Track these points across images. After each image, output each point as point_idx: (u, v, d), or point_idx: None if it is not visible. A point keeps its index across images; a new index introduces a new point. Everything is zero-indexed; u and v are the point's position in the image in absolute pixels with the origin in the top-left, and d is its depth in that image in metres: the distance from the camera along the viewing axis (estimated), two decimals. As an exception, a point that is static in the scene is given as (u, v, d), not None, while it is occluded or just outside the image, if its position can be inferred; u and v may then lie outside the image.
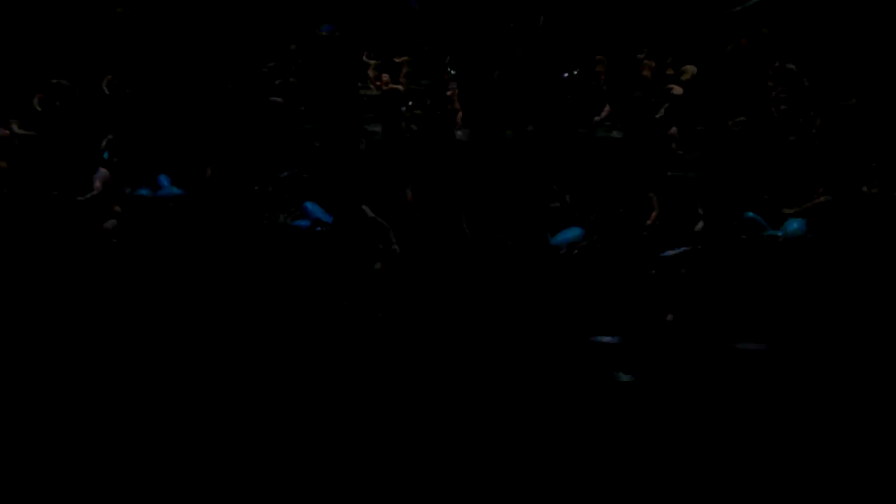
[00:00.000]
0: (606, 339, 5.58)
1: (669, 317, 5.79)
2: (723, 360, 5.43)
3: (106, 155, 7.52)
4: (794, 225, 6.50)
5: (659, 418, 4.93)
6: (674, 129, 7.51)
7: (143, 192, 7.14)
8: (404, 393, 5.21)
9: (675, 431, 4.81)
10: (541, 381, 5.29)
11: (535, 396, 5.13)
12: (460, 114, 8.10)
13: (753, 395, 5.11)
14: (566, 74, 9.40)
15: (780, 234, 6.48)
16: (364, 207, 6.01)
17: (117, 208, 6.62)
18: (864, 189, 6.27)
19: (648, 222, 6.44)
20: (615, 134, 8.19)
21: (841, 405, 4.96)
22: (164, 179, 7.24)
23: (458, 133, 7.92)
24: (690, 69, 8.65)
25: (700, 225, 6.31)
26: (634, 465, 4.55)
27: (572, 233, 6.46)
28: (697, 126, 7.79)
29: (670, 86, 8.51)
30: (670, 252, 5.77)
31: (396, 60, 9.45)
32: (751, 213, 6.50)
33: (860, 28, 8.64)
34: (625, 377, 5.32)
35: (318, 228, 6.47)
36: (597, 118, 8.63)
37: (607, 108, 8.63)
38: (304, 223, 6.74)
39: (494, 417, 5.00)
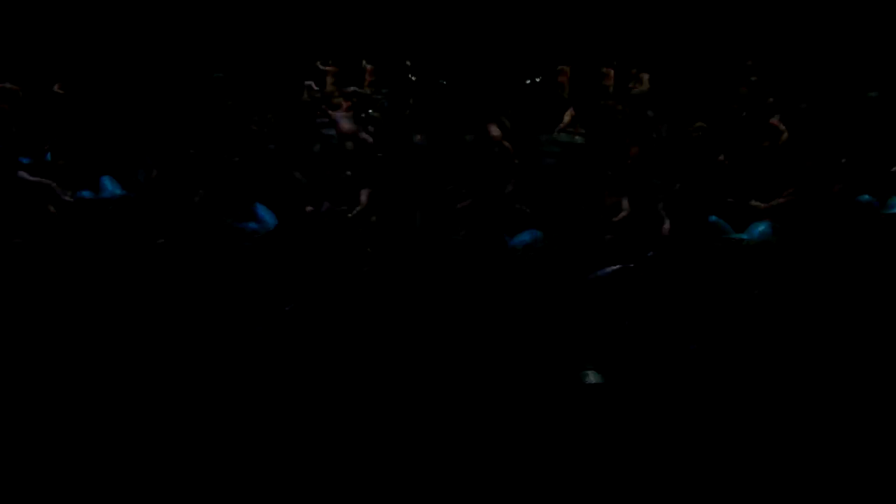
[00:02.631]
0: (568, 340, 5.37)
1: (627, 321, 5.60)
2: (686, 363, 5.25)
3: (49, 156, 7.32)
4: (760, 228, 6.39)
5: (626, 420, 4.73)
6: (635, 134, 7.41)
7: (85, 193, 6.90)
8: (352, 398, 4.97)
9: (642, 432, 4.62)
10: (500, 382, 5.07)
11: (495, 398, 4.92)
12: (418, 116, 7.97)
13: (714, 396, 4.94)
14: (529, 81, 9.38)
15: (744, 237, 6.35)
16: (309, 208, 5.81)
17: (52, 209, 6.34)
18: (831, 189, 6.17)
19: (615, 219, 6.28)
20: (577, 139, 8.12)
21: (808, 405, 4.80)
22: (107, 181, 7.01)
23: (417, 137, 7.78)
24: (646, 76, 8.71)
25: (666, 227, 6.16)
26: (601, 464, 4.36)
27: (531, 235, 6.29)
28: (660, 131, 7.73)
29: (633, 88, 8.52)
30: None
31: (366, 65, 9.40)
32: (714, 217, 6.37)
33: (820, 32, 8.71)
34: (594, 378, 5.10)
35: (264, 230, 6.23)
36: (560, 124, 8.61)
37: (570, 114, 8.60)
38: (253, 226, 6.50)
39: (451, 422, 4.77)
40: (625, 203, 6.33)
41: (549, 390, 5.12)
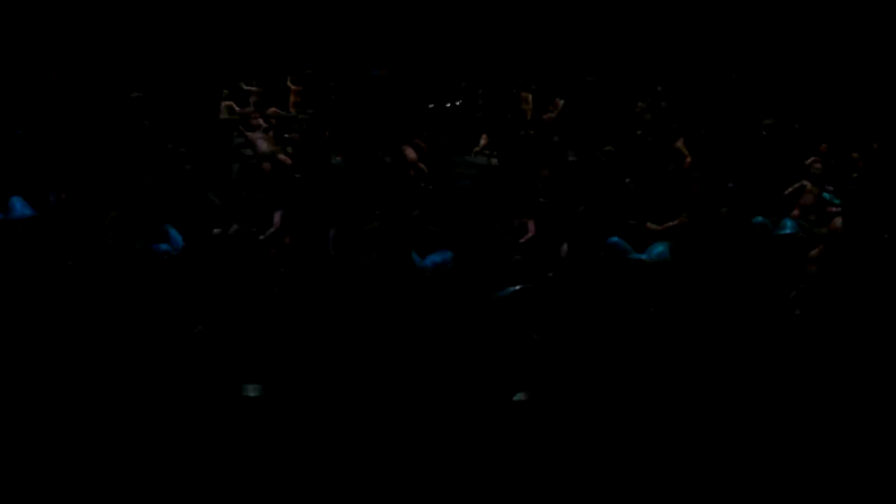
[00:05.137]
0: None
1: (535, 336, 5.81)
2: (588, 374, 5.48)
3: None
4: (658, 248, 6.68)
5: (551, 436, 4.91)
6: (545, 158, 7.66)
7: (-6, 214, 6.78)
8: (263, 418, 5.02)
9: (568, 447, 4.81)
10: (412, 398, 5.20)
11: (408, 414, 5.03)
12: (336, 138, 8.07)
13: (616, 403, 5.17)
14: (448, 105, 9.58)
15: (644, 257, 6.64)
16: (215, 230, 5.86)
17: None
18: (721, 211, 6.51)
19: (522, 241, 6.50)
20: (493, 161, 8.34)
21: (699, 406, 5.08)
22: (16, 201, 6.90)
23: (336, 159, 7.88)
24: (559, 102, 9.00)
25: (565, 249, 6.40)
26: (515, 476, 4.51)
27: (441, 255, 6.46)
28: (569, 155, 8.00)
29: (546, 116, 8.80)
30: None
31: (290, 85, 9.42)
32: (615, 238, 6.65)
33: (723, 58, 9.17)
34: (519, 396, 5.27)
35: (175, 252, 6.24)
36: (476, 147, 8.83)
37: (485, 138, 8.82)
38: (164, 247, 6.50)
39: (364, 441, 4.86)
40: (531, 225, 6.56)
41: (459, 404, 5.26)
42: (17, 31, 8.90)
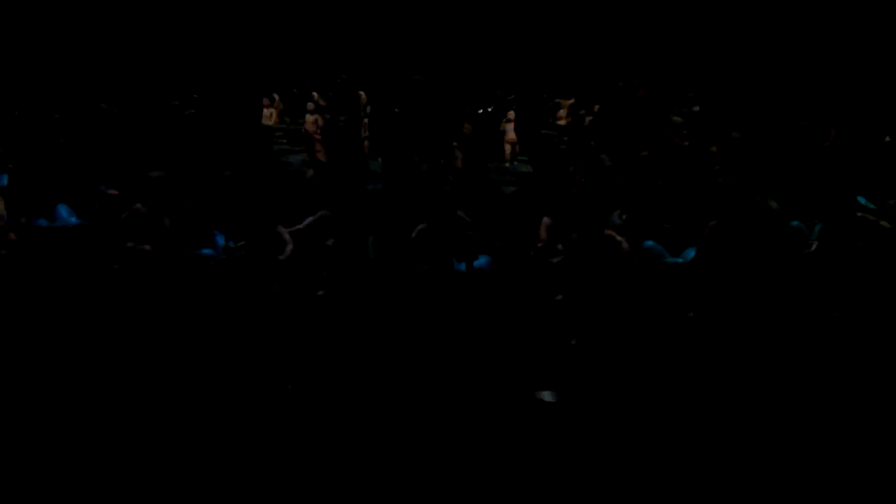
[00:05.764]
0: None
1: (573, 340, 5.87)
2: (631, 377, 5.52)
3: (5, 181, 7.38)
4: (693, 252, 6.71)
5: (580, 436, 4.95)
6: (580, 163, 7.73)
7: (41, 222, 6.97)
8: (311, 417, 5.12)
9: (590, 444, 4.85)
10: (455, 400, 5.27)
11: (452, 416, 5.10)
12: (371, 146, 8.21)
13: (659, 409, 5.20)
14: (481, 111, 9.68)
15: (680, 260, 6.67)
16: (261, 234, 6.00)
17: (12, 236, 6.42)
18: (756, 214, 6.54)
19: (558, 246, 6.56)
20: (526, 168, 8.43)
21: (738, 412, 5.10)
22: (62, 209, 7.09)
23: (372, 164, 8.02)
24: (594, 108, 9.07)
25: (602, 253, 6.44)
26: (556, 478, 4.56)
27: (480, 259, 6.54)
28: (603, 160, 8.06)
29: (581, 122, 8.87)
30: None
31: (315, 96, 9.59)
32: (650, 242, 6.69)
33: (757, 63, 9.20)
34: (548, 397, 5.33)
35: (220, 256, 6.39)
36: (509, 152, 8.93)
37: (511, 142, 8.91)
38: (209, 251, 6.65)
39: (409, 443, 4.93)
40: (565, 229, 6.62)
41: (502, 406, 5.33)
42: (64, 45, 9.13)
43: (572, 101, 9.60)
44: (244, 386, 5.42)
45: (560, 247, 6.49)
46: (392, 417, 5.18)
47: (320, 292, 6.20)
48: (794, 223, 7.21)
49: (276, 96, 9.20)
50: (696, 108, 9.52)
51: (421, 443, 4.93)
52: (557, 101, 9.76)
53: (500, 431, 5.09)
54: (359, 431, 5.01)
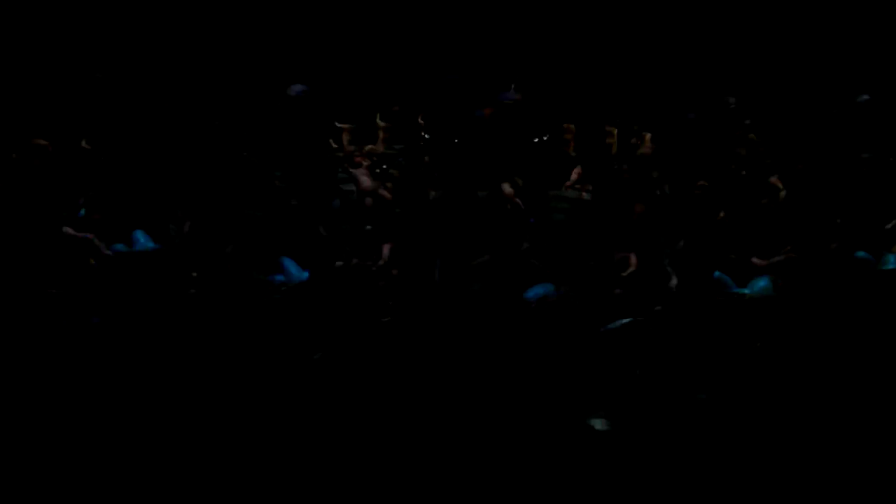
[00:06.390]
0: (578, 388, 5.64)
1: (638, 371, 5.89)
2: (694, 411, 5.52)
3: (83, 212, 7.62)
4: (761, 283, 6.70)
5: (634, 467, 4.97)
6: (640, 192, 7.77)
7: (119, 247, 7.21)
8: (376, 443, 5.21)
9: (651, 480, 4.86)
10: (515, 430, 5.32)
11: (511, 446, 5.15)
12: (433, 174, 8.32)
13: (722, 444, 5.19)
14: (536, 140, 9.75)
15: (746, 291, 6.67)
16: (339, 263, 6.15)
17: (92, 262, 6.67)
18: (828, 246, 6.51)
19: (624, 274, 6.60)
20: (585, 196, 8.47)
21: (811, 452, 5.05)
22: (139, 235, 7.33)
23: (433, 193, 8.12)
24: (647, 136, 9.08)
25: (674, 282, 6.48)
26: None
27: (543, 288, 6.60)
28: (663, 189, 8.08)
29: (640, 151, 8.89)
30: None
31: (380, 122, 9.78)
32: (718, 273, 6.69)
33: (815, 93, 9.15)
34: (600, 425, 5.36)
35: (290, 283, 6.55)
36: (567, 182, 8.97)
37: (577, 171, 8.96)
38: (280, 278, 6.82)
39: (467, 471, 4.99)
40: (632, 259, 6.66)
41: (562, 438, 5.36)
42: (138, 71, 9.44)
43: (619, 127, 9.62)
44: (314, 409, 5.54)
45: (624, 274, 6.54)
46: (458, 443, 5.25)
47: (385, 319, 6.32)
48: (861, 254, 7.16)
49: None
50: (752, 137, 9.50)
51: (490, 472, 4.99)
52: (608, 127, 9.78)
53: (566, 461, 5.13)
54: (425, 458, 5.08)
